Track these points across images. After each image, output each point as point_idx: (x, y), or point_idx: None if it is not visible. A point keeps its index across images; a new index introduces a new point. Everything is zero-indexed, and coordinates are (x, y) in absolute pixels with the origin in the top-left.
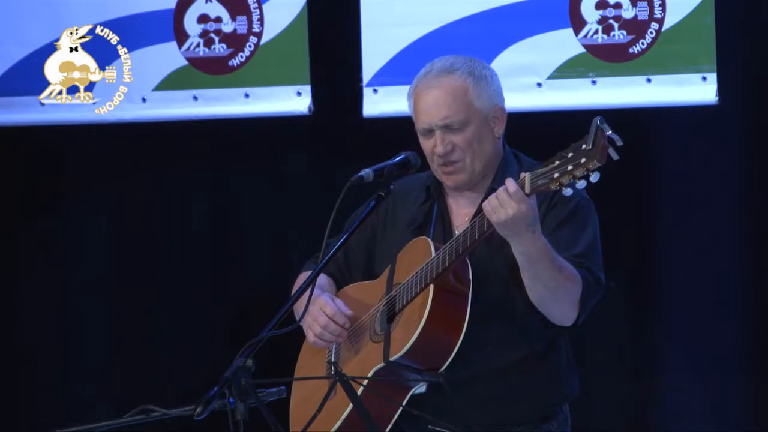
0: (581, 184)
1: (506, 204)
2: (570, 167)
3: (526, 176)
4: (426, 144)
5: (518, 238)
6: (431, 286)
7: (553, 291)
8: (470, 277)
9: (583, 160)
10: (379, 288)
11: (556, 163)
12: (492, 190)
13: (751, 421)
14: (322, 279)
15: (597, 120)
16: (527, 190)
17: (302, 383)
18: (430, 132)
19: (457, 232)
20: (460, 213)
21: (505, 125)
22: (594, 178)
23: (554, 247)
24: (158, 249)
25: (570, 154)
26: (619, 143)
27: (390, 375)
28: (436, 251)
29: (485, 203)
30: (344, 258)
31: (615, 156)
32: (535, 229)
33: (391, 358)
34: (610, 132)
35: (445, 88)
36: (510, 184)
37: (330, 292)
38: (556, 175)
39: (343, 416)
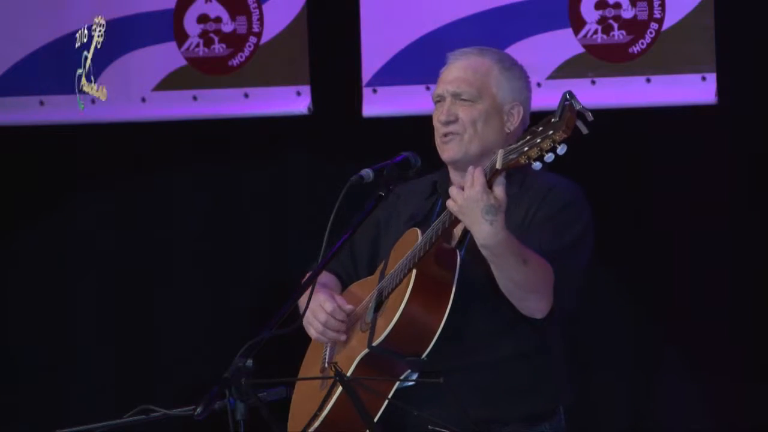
0: (549, 158)
1: (463, 186)
2: (538, 140)
3: (498, 152)
4: (434, 115)
5: (477, 227)
6: (413, 271)
7: (520, 284)
8: (457, 265)
9: (550, 132)
10: (375, 282)
11: (528, 137)
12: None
13: (751, 421)
14: (328, 278)
15: (566, 94)
16: (499, 165)
17: (303, 381)
18: (441, 100)
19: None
20: None
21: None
22: (561, 150)
23: (538, 240)
24: (158, 249)
25: (540, 128)
26: (590, 118)
27: (376, 361)
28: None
29: (450, 194)
30: (350, 257)
31: (584, 130)
32: (493, 221)
33: (374, 343)
34: (581, 107)
35: (470, 61)
36: (470, 168)
37: (336, 291)
38: (525, 148)
39: (326, 411)
